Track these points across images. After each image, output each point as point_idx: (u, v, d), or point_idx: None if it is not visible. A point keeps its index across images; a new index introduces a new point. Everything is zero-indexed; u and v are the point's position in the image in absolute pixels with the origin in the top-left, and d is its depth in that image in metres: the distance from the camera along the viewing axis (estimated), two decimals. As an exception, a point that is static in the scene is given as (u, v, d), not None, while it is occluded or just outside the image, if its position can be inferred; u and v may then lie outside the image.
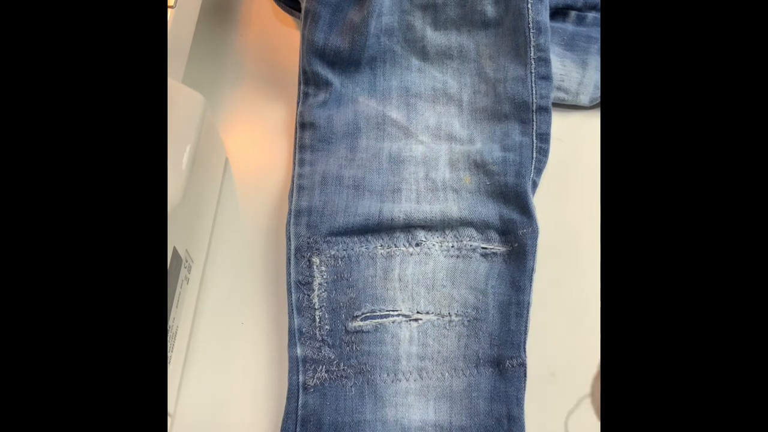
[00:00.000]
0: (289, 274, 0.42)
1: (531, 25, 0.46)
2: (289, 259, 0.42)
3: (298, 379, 0.39)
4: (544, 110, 0.46)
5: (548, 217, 0.44)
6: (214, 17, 0.54)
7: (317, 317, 0.41)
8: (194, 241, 0.42)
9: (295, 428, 0.39)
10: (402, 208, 0.42)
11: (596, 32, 0.51)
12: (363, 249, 0.42)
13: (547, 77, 0.46)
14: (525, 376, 0.40)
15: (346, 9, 0.46)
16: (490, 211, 0.43)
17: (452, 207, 0.43)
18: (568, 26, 0.52)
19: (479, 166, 0.44)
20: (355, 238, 0.42)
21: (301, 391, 0.39)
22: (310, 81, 0.46)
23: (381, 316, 0.41)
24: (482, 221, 0.43)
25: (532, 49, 0.46)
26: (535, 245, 0.42)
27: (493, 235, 0.43)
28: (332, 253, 0.42)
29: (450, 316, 0.41)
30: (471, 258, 0.42)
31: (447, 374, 0.40)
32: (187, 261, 0.41)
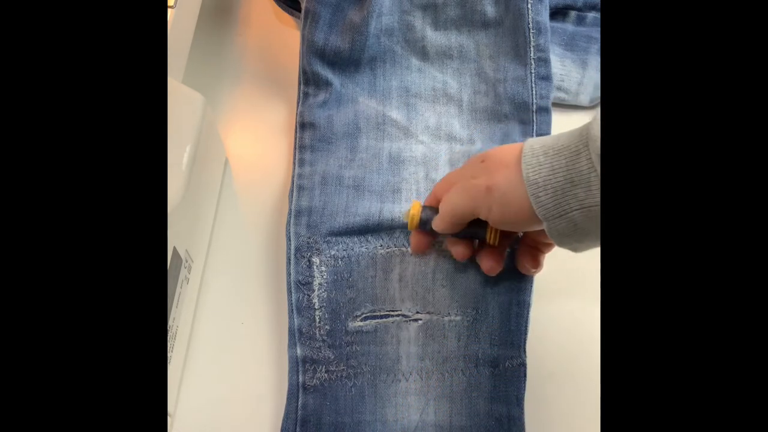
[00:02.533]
0: (289, 274, 0.42)
1: (531, 25, 0.46)
2: (289, 259, 0.42)
3: (298, 379, 0.39)
4: (544, 111, 0.46)
5: (548, 217, 0.44)
6: (214, 17, 0.54)
7: (317, 317, 0.41)
8: (194, 241, 0.42)
9: (295, 428, 0.38)
10: (402, 209, 0.42)
11: (596, 32, 0.51)
12: (363, 249, 0.42)
13: (547, 77, 0.46)
14: (525, 376, 0.40)
15: (346, 9, 0.46)
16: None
17: (452, 207, 0.43)
18: (568, 26, 0.52)
19: (479, 166, 0.44)
20: (355, 239, 0.42)
21: (301, 391, 0.39)
22: (310, 81, 0.46)
23: (381, 317, 0.41)
24: (482, 221, 0.43)
25: (532, 49, 0.46)
26: (535, 245, 0.42)
27: (493, 235, 0.43)
28: (332, 253, 0.42)
29: (450, 316, 0.41)
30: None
31: (447, 374, 0.40)
32: (187, 261, 0.41)
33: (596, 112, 0.30)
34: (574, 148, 0.31)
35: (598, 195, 0.30)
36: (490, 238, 0.37)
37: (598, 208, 0.30)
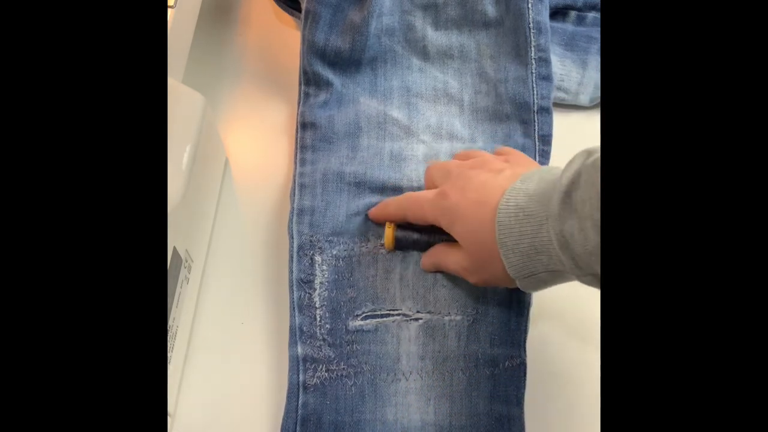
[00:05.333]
0: (291, 271, 0.42)
1: (531, 25, 0.46)
2: (291, 257, 0.42)
3: (299, 378, 0.39)
4: (545, 111, 0.46)
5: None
6: (214, 17, 0.54)
7: (318, 316, 0.41)
8: (194, 241, 0.42)
9: (296, 428, 0.38)
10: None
11: (596, 32, 0.51)
12: (364, 249, 0.42)
13: (547, 77, 0.46)
14: (525, 376, 0.40)
15: (347, 9, 0.46)
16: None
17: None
18: (568, 26, 0.52)
19: (480, 166, 0.44)
20: (356, 239, 0.42)
21: (301, 390, 0.39)
22: (310, 81, 0.46)
23: (381, 316, 0.41)
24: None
25: (532, 49, 0.46)
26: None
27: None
28: (334, 252, 0.42)
29: (450, 315, 0.41)
30: (471, 258, 0.42)
31: (447, 374, 0.40)
32: (187, 261, 0.41)
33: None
34: (539, 218, 0.33)
35: (560, 262, 0.32)
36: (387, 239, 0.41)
37: (563, 270, 0.33)
